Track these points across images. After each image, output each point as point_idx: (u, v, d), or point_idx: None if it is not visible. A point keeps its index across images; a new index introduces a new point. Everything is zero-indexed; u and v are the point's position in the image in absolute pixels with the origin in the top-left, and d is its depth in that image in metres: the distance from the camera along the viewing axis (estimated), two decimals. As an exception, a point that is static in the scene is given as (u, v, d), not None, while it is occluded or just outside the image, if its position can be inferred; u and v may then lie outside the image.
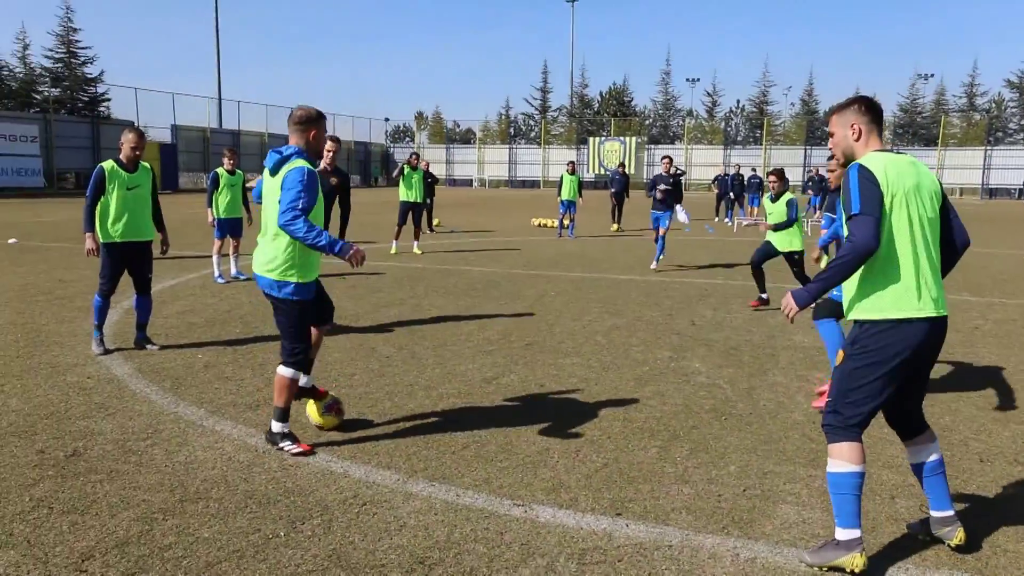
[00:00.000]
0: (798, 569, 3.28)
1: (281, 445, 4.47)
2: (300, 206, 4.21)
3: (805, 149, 55.78)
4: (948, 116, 57.72)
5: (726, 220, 25.88)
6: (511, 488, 4.07)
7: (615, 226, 21.44)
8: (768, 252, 9.51)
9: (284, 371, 4.50)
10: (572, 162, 20.58)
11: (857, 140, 3.31)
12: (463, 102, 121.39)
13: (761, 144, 57.93)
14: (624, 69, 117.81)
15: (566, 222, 19.37)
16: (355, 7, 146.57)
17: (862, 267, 3.17)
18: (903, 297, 3.15)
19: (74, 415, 5.06)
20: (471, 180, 62.42)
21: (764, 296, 9.66)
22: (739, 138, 65.01)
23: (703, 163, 56.27)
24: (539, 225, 22.47)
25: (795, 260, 9.37)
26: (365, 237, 17.71)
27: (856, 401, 3.21)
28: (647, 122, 66.74)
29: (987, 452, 4.71)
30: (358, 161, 61.75)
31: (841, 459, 3.22)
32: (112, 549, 3.32)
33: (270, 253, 4.42)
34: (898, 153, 3.32)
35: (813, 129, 62.18)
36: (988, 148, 53.33)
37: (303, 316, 4.53)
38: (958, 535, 3.33)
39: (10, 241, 15.54)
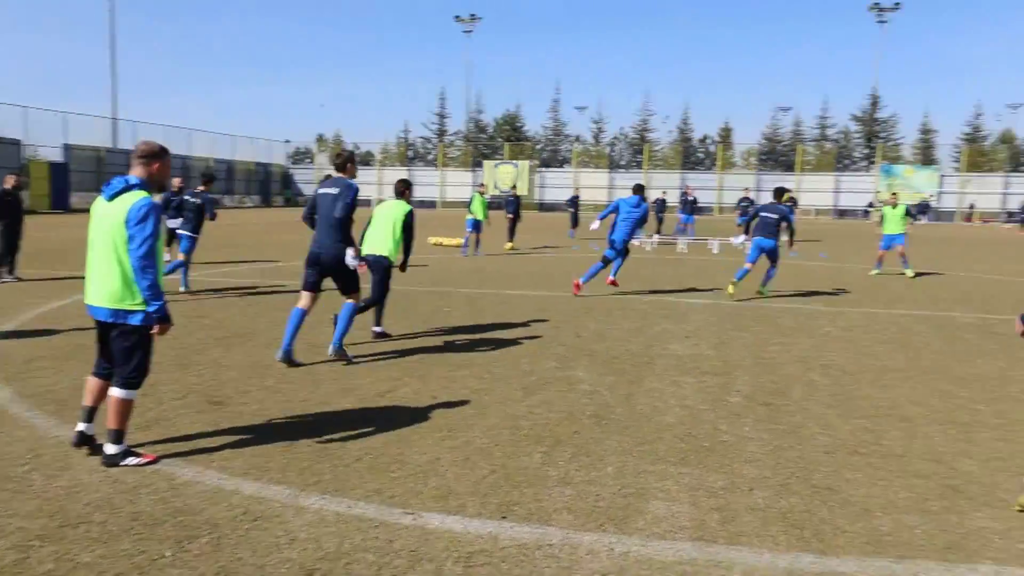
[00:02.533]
0: (667, 559, 3.40)
1: (125, 463, 4.35)
2: (152, 245, 4.20)
3: (681, 173, 58.12)
4: (804, 145, 61.52)
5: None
6: (402, 497, 4.03)
7: (509, 244, 21.67)
8: None
9: (131, 394, 4.38)
10: (484, 184, 21.87)
11: None
12: (363, 126, 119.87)
13: (642, 168, 59.94)
14: (517, 97, 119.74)
15: (472, 241, 19.56)
16: (253, 30, 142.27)
17: None
18: None
19: (-53, 443, 4.66)
20: (370, 200, 61.51)
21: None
22: (622, 162, 67.04)
23: (590, 185, 57.69)
24: (437, 244, 22.42)
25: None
26: (270, 256, 17.19)
27: None
28: (538, 146, 67.88)
29: (832, 445, 5.02)
30: (258, 182, 59.96)
31: None
32: (-16, 580, 3.08)
33: (115, 283, 4.25)
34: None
35: (688, 155, 64.92)
36: (838, 174, 57.15)
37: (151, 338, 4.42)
38: None
39: None
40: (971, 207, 53.31)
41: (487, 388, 6.28)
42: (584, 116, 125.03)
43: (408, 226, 7.85)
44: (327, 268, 6.90)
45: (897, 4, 58.21)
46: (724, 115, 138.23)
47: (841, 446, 5.00)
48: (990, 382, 6.85)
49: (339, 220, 6.73)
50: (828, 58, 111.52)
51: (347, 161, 6.97)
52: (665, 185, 47.77)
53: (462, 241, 20.13)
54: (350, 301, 7.13)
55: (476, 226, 19.57)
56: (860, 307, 11.36)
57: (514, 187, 24.94)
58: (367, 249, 7.82)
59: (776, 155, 65.37)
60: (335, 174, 7.01)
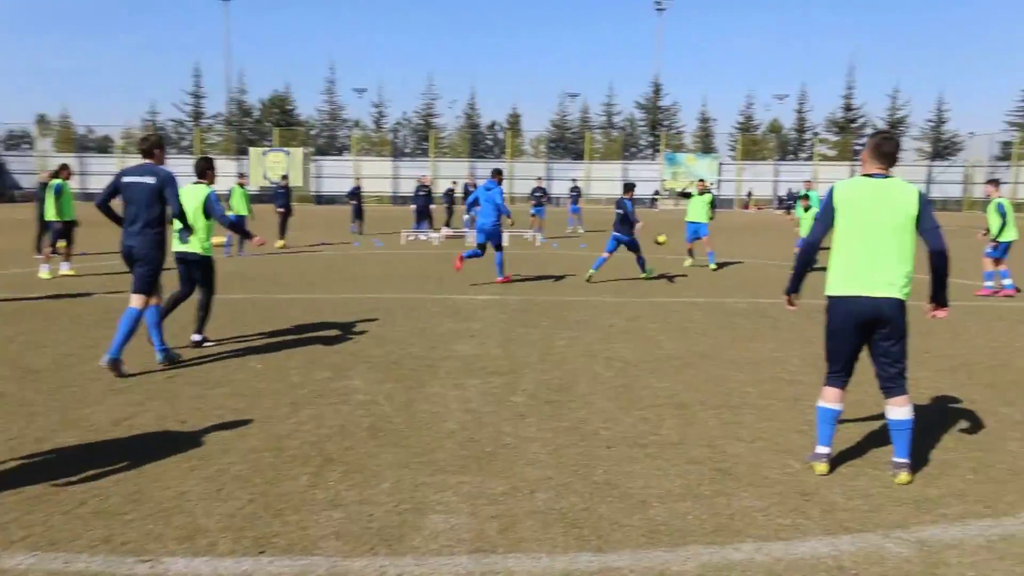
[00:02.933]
0: (442, 577, 3.44)
1: None
2: None
3: (470, 161, 59.40)
4: (591, 133, 65.47)
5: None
6: (138, 543, 3.72)
7: (280, 242, 20.89)
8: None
9: None
10: (243, 174, 21.12)
11: None
12: (98, 105, 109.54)
13: (428, 156, 60.47)
14: (286, 76, 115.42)
15: (235, 239, 18.53)
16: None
17: None
18: None
19: None
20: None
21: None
22: (407, 149, 67.23)
23: (373, 175, 57.15)
24: (193, 243, 21.07)
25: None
26: (-35, 264, 15.14)
27: None
28: (313, 132, 66.14)
29: (613, 438, 5.37)
30: (-42, 172, 52.68)
31: None
32: None
33: None
34: None
35: (477, 142, 66.54)
36: (625, 162, 61.51)
37: None
38: None
39: None
40: (749, 194, 59.79)
41: (248, 407, 5.99)
42: (364, 99, 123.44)
43: (208, 211, 7.92)
44: (138, 261, 6.95)
45: (674, -7, 63.80)
46: (512, 100, 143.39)
47: (622, 439, 5.37)
48: (760, 364, 7.70)
49: (175, 217, 6.99)
50: (612, 44, 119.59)
51: (154, 146, 7.10)
52: (454, 174, 48.51)
53: (224, 240, 19.02)
54: (135, 306, 6.99)
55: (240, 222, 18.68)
56: (645, 297, 12.29)
57: (285, 177, 24.09)
58: (175, 247, 7.84)
59: (565, 143, 68.99)
60: (133, 166, 7.04)
